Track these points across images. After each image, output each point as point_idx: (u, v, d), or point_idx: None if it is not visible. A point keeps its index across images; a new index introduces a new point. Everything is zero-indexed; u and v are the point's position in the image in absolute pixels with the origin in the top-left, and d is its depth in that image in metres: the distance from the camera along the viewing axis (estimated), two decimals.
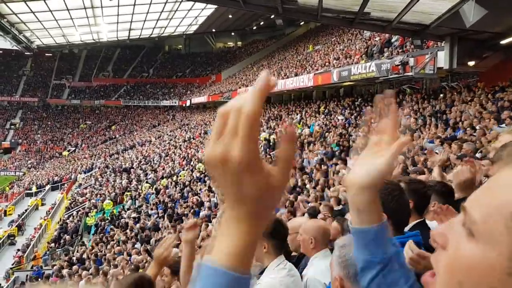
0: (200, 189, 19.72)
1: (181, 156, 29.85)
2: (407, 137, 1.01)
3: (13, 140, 58.06)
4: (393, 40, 19.29)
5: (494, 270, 0.52)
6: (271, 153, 20.18)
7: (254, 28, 57.29)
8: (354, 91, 25.01)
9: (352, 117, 19.47)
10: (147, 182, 26.28)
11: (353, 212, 1.11)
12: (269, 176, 0.65)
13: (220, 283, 0.63)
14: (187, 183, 22.34)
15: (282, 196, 0.68)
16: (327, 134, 18.63)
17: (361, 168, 1.09)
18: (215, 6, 37.36)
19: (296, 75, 27.02)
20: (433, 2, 11.04)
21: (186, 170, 25.40)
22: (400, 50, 17.37)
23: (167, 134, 43.45)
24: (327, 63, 25.04)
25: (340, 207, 8.01)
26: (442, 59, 13.69)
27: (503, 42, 12.91)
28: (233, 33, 61.34)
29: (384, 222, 1.10)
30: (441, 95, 16.19)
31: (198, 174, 22.82)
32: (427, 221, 2.46)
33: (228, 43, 65.31)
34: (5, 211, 31.39)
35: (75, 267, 14.99)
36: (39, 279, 16.43)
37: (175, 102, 54.88)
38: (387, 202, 1.95)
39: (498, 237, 0.53)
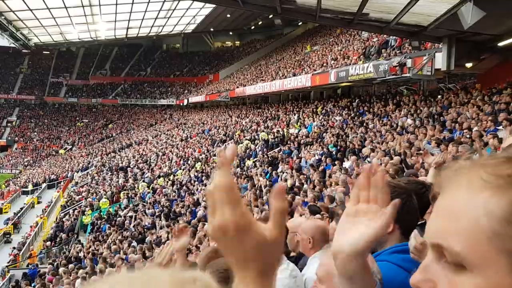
0: (197, 189, 19.71)
1: (178, 155, 29.82)
2: (393, 210, 0.95)
3: (9, 138, 57.90)
4: (390, 40, 19.32)
5: None
6: (268, 153, 20.20)
7: (252, 27, 57.29)
8: (352, 91, 25.05)
9: (349, 118, 19.50)
10: (143, 181, 26.24)
11: (345, 282, 1.04)
12: (265, 231, 0.72)
13: None
14: (184, 182, 22.33)
15: (282, 249, 0.74)
16: (324, 134, 18.65)
17: (348, 235, 0.99)
18: (213, 5, 37.31)
19: (294, 75, 27.03)
20: (431, 4, 11.05)
21: (183, 169, 25.38)
22: (398, 51, 17.40)
23: (164, 133, 43.40)
24: (325, 64, 25.07)
25: (334, 205, 8.02)
26: (440, 60, 13.71)
27: (501, 44, 12.93)
28: (231, 33, 61.30)
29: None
30: (439, 96, 16.22)
31: (195, 174, 22.80)
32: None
33: (226, 43, 65.27)
34: (1, 209, 31.31)
35: (71, 266, 14.96)
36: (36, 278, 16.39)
37: (173, 101, 54.81)
38: None
39: (491, 257, 0.53)
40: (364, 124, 17.32)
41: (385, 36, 19.15)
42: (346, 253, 0.97)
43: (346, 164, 13.09)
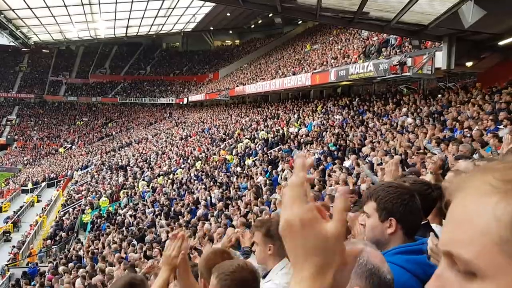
0: (197, 188, 19.69)
1: (177, 154, 29.81)
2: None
3: (9, 137, 57.89)
4: (391, 39, 19.30)
5: None
6: (268, 152, 20.19)
7: (252, 26, 57.23)
8: (352, 90, 25.04)
9: (349, 117, 19.49)
10: (143, 180, 26.23)
11: None
12: (327, 228, 0.74)
13: None
14: (183, 181, 22.32)
15: (343, 247, 0.76)
16: (324, 133, 18.64)
17: None
18: (213, 4, 37.27)
19: (294, 74, 27.01)
20: (432, 3, 11.03)
21: (183, 168, 25.37)
22: (398, 50, 17.38)
23: (164, 132, 43.38)
24: (325, 62, 25.04)
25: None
26: (440, 59, 13.69)
27: (501, 43, 12.92)
28: (231, 31, 61.24)
29: None
30: (439, 95, 16.21)
31: (195, 172, 22.80)
32: (433, 225, 2.43)
33: (226, 41, 65.22)
34: (1, 207, 31.31)
35: (71, 265, 14.96)
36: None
37: (172, 100, 54.76)
38: (396, 206, 1.90)
39: (501, 265, 0.52)
40: (364, 123, 17.31)
41: (385, 35, 19.14)
42: None
43: (346, 163, 13.08)
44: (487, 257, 0.53)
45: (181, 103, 51.69)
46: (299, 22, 49.66)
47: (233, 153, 23.24)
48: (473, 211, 0.56)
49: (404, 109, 16.31)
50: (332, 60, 24.22)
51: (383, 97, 20.05)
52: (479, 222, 0.54)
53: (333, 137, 17.01)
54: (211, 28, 57.91)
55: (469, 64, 13.73)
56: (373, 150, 12.74)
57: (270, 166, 17.45)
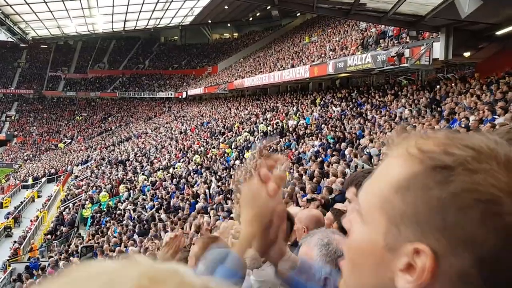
0: (196, 182, 19.74)
1: (177, 148, 29.84)
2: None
3: (8, 132, 57.89)
4: (388, 30, 19.26)
5: (375, 246, 0.60)
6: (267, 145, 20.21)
7: (251, 19, 57.04)
8: (350, 82, 25.01)
9: (348, 108, 19.49)
10: (143, 174, 26.27)
11: None
12: (268, 201, 1.00)
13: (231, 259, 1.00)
14: (183, 175, 22.36)
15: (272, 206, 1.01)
16: (323, 126, 18.65)
17: None
18: None
19: (292, 66, 26.97)
20: None
21: (182, 162, 25.40)
22: (396, 42, 17.35)
23: (163, 126, 43.38)
24: (323, 55, 25.00)
25: (333, 195, 8.07)
26: (438, 50, 13.69)
27: (499, 33, 12.91)
28: (229, 24, 61.04)
29: None
30: (437, 86, 16.21)
31: (194, 166, 22.84)
32: None
33: (224, 35, 65.01)
34: (1, 203, 31.38)
35: (72, 259, 15.03)
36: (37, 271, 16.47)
37: (171, 94, 54.67)
38: None
39: (372, 216, 0.61)
40: (363, 115, 17.32)
41: (382, 26, 19.10)
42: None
43: (346, 156, 13.10)
44: (370, 207, 0.62)
45: (180, 97, 51.63)
46: (298, 15, 49.49)
47: (233, 146, 23.26)
48: (383, 169, 0.63)
49: (403, 100, 16.33)
50: (331, 52, 24.18)
51: (381, 88, 20.04)
52: (381, 179, 0.62)
53: (332, 129, 17.02)
54: (209, 21, 57.74)
55: (467, 54, 13.73)
56: (372, 142, 12.77)
57: None
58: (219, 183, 17.42)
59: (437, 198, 0.55)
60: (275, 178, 1.01)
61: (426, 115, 13.37)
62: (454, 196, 0.55)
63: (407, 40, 16.18)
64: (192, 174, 21.81)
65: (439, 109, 13.58)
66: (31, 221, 26.43)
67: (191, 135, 32.93)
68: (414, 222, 0.56)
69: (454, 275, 0.55)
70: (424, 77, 19.03)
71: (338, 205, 4.32)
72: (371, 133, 14.14)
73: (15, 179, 41.21)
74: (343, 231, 3.88)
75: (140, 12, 45.08)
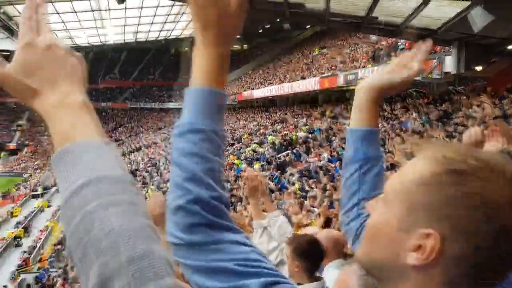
0: None
1: None
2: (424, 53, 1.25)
3: (19, 142, 58.40)
4: (399, 44, 19.26)
5: (392, 227, 0.72)
6: (276, 156, 20.19)
7: (260, 31, 57.33)
8: None
9: None
10: (152, 185, 26.33)
11: (354, 113, 1.32)
12: (228, 6, 0.88)
13: (197, 96, 0.90)
14: None
15: (240, 24, 0.91)
16: (333, 138, 18.61)
17: (375, 76, 1.32)
18: None
19: (302, 78, 27.01)
20: (441, 7, 11.02)
21: None
22: None
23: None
24: (333, 67, 25.03)
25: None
26: (449, 64, 13.64)
27: (510, 47, 12.86)
28: (238, 36, 61.33)
29: (375, 129, 1.31)
30: (448, 99, 16.13)
31: None
32: None
33: (234, 46, 65.37)
34: (12, 212, 31.56)
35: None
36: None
37: (181, 105, 54.77)
38: None
39: (394, 202, 0.73)
40: None
41: (394, 38, 19.10)
42: (365, 87, 1.30)
43: None
44: (394, 194, 0.74)
45: None
46: (308, 26, 49.65)
47: (241, 158, 23.26)
48: (410, 165, 0.75)
49: (413, 113, 16.26)
50: (341, 64, 24.20)
51: (392, 100, 19.99)
52: (407, 173, 0.74)
53: (342, 141, 16.97)
54: None
55: (478, 68, 13.67)
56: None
57: (278, 171, 17.46)
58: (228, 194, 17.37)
59: (450, 195, 0.68)
60: None
61: (436, 128, 13.30)
62: (465, 196, 0.67)
63: None
64: None
65: (450, 122, 13.50)
66: (41, 231, 26.55)
67: None
68: (428, 211, 0.69)
69: (454, 258, 0.68)
70: (435, 90, 18.95)
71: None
72: (383, 145, 14.07)
73: (26, 189, 41.48)
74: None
75: (151, 23, 45.54)
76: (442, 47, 14.93)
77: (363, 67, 19.83)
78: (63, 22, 40.91)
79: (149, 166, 32.71)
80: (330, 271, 2.83)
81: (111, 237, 0.63)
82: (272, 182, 16.26)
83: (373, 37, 24.15)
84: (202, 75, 0.92)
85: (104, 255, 0.62)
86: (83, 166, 0.68)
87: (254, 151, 23.08)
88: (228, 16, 0.89)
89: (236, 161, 23.15)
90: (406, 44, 18.28)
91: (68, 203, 0.66)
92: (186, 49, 67.88)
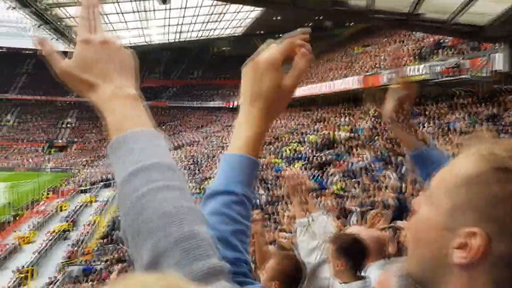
0: None
1: None
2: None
3: (68, 139, 60.70)
4: (445, 41, 18.69)
5: (437, 226, 0.70)
6: (316, 155, 20.05)
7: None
8: None
9: None
10: (193, 182, 26.72)
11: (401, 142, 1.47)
12: (283, 78, 0.91)
13: (235, 161, 0.91)
14: None
15: (290, 100, 0.94)
16: (376, 137, 18.28)
17: (387, 108, 1.47)
18: (263, 8, 37.49)
19: (344, 76, 26.68)
20: (490, 3, 10.60)
21: None
22: (454, 52, 16.79)
23: (214, 135, 44.02)
24: (377, 65, 24.57)
25: (387, 211, 7.85)
26: (499, 61, 13.12)
27: None
28: (279, 35, 61.22)
29: (421, 150, 1.50)
30: (496, 98, 15.51)
31: None
32: None
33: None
34: (60, 206, 32.80)
35: (124, 264, 15.49)
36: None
37: (221, 104, 55.51)
38: None
39: (439, 200, 0.71)
40: (417, 127, 16.81)
41: (440, 36, 18.55)
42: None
43: (403, 169, 12.77)
44: (439, 192, 0.71)
45: (229, 106, 52.29)
46: (350, 24, 48.96)
47: (281, 157, 23.24)
48: (456, 162, 0.73)
49: (459, 112, 15.74)
50: (384, 62, 23.73)
51: (437, 99, 19.42)
52: (453, 170, 0.72)
53: (385, 141, 16.65)
54: (260, 32, 58.24)
55: None
56: None
57: (319, 171, 17.34)
58: (267, 192, 17.42)
59: (496, 193, 0.65)
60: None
61: (484, 128, 12.83)
62: (511, 195, 0.65)
63: (466, 50, 15.63)
64: None
65: (499, 122, 12.99)
66: (86, 225, 27.47)
67: None
68: (474, 209, 0.67)
69: (500, 258, 0.65)
70: (482, 89, 18.27)
71: (399, 223, 4.21)
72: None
73: (74, 184, 43.01)
74: (398, 250, 3.77)
75: (193, 23, 46.17)
76: (492, 45, 14.38)
77: (406, 65, 19.34)
78: (110, 23, 42.14)
79: (191, 164, 33.21)
80: (372, 272, 2.80)
81: (163, 218, 0.70)
82: (313, 181, 16.17)
83: (418, 34, 23.54)
84: (242, 144, 0.93)
85: (156, 234, 0.69)
86: (137, 153, 0.75)
87: (294, 150, 23.00)
88: (281, 93, 0.92)
89: (274, 160, 23.13)
90: (453, 41, 17.72)
91: (124, 187, 0.73)
92: (226, 48, 68.49)
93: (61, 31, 40.64)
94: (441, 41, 18.73)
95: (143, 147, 0.76)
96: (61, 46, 46.91)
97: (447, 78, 15.35)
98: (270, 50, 0.96)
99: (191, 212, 0.73)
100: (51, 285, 17.79)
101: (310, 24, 53.48)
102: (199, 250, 0.69)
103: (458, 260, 0.67)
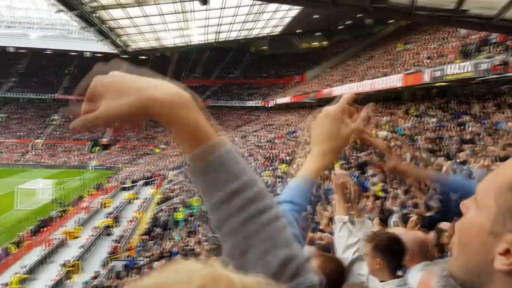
0: (281, 190, 19.79)
1: (264, 156, 30.22)
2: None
3: (111, 138, 62.53)
4: (491, 37, 18.01)
5: (482, 230, 0.70)
6: (356, 155, 19.76)
7: (341, 27, 56.38)
8: (448, 91, 23.65)
9: (445, 119, 18.47)
10: None
11: None
12: (340, 128, 1.18)
13: (306, 183, 1.15)
14: (269, 183, 22.57)
15: (344, 146, 1.22)
16: (416, 137, 17.84)
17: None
18: (301, 7, 37.31)
19: (385, 75, 26.18)
20: None
21: (269, 170, 25.66)
22: (501, 49, 16.16)
23: (252, 134, 44.20)
24: (419, 63, 23.97)
25: (431, 213, 7.66)
26: None
27: None
28: (319, 33, 60.81)
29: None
30: None
31: (280, 174, 22.96)
32: None
33: (313, 43, 64.87)
34: (104, 203, 33.80)
35: (164, 260, 15.80)
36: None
37: (259, 103, 55.63)
38: None
39: (486, 205, 0.71)
40: (462, 127, 16.31)
41: (485, 32, 17.89)
42: None
43: (444, 169, 12.41)
44: (486, 197, 0.71)
45: (267, 105, 52.33)
46: (391, 21, 48.02)
47: None
48: (505, 168, 0.73)
49: (507, 112, 15.14)
50: (427, 60, 23.12)
51: (483, 98, 18.75)
52: (500, 175, 0.72)
53: (427, 141, 16.22)
54: (299, 31, 57.99)
55: None
56: (471, 156, 11.98)
57: (359, 171, 17.09)
58: None
59: None
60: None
61: None
62: None
63: None
64: (277, 182, 21.94)
65: None
66: (129, 221, 28.19)
67: (278, 143, 33.19)
68: None
69: None
70: None
71: (443, 225, 4.11)
72: (475, 146, 13.25)
73: (117, 181, 44.24)
74: (441, 252, 3.68)
75: (232, 23, 46.53)
76: None
77: (451, 62, 18.77)
78: (151, 24, 43.05)
79: None
80: (415, 274, 2.75)
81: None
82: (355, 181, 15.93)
83: (463, 31, 22.80)
84: (309, 173, 1.17)
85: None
86: (231, 172, 0.81)
87: None
88: (337, 139, 1.18)
89: None
90: (499, 38, 17.06)
91: (222, 208, 0.79)
92: (265, 47, 68.58)
93: (105, 33, 41.86)
94: (488, 37, 18.06)
95: (235, 165, 0.83)
96: (105, 47, 48.41)
97: (494, 76, 14.78)
98: (333, 105, 1.21)
99: (284, 229, 0.85)
100: (95, 279, 18.36)
101: (349, 22, 52.89)
102: (284, 238, 0.82)
103: (501, 266, 0.66)
